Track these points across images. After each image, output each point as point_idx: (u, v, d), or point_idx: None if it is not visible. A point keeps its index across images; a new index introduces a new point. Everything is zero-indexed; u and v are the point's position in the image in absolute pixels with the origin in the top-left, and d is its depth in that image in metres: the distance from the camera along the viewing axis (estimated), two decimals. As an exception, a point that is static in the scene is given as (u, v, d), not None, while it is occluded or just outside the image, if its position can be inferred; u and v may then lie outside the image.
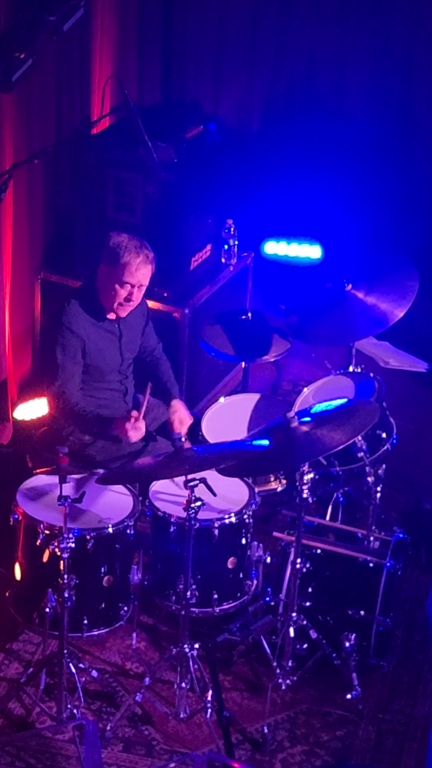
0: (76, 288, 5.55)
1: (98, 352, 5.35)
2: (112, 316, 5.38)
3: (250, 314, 6.28)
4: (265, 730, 4.94)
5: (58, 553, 4.82)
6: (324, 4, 7.17)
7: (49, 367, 5.35)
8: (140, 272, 5.26)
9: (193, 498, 4.82)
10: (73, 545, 4.83)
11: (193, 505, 4.82)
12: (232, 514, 5.12)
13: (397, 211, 7.41)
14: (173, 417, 5.46)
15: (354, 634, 5.13)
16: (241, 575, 5.21)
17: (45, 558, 4.97)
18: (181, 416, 5.46)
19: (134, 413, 5.25)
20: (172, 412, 5.48)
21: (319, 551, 5.24)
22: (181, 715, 5.01)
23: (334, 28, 7.18)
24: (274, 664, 5.14)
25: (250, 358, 6.15)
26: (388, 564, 5.18)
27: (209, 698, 4.96)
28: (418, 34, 7.13)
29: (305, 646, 5.18)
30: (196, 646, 5.00)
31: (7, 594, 5.21)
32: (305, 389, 5.75)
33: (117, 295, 5.28)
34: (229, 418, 5.71)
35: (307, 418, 4.92)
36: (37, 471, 5.32)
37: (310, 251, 7.45)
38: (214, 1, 7.27)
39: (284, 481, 5.56)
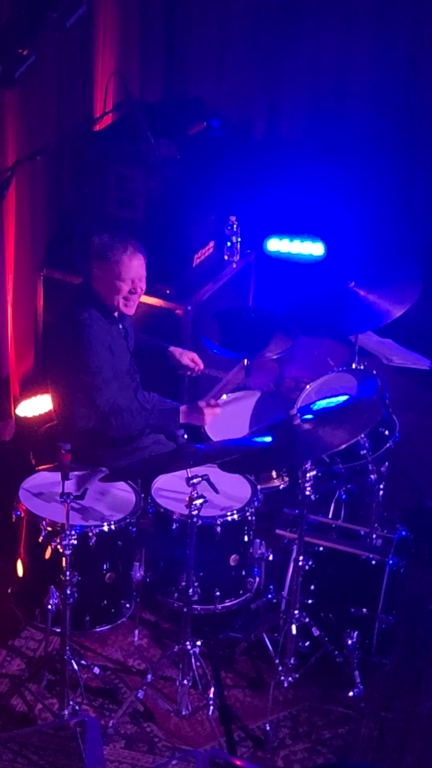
0: (78, 295, 5.45)
1: (115, 354, 5.36)
2: (115, 313, 5.39)
3: (252, 311, 6.27)
4: (267, 728, 4.94)
5: (61, 550, 4.82)
6: (327, 1, 7.16)
7: (85, 386, 5.27)
8: (134, 263, 5.29)
9: (196, 495, 4.82)
10: (75, 542, 4.82)
11: (195, 502, 4.82)
12: (235, 512, 5.12)
13: (400, 208, 7.40)
14: (184, 359, 5.58)
15: (356, 632, 5.12)
16: (243, 572, 5.20)
17: (47, 555, 4.97)
18: (188, 355, 5.60)
19: (212, 401, 5.40)
20: (179, 355, 5.59)
21: (321, 549, 5.24)
22: (183, 712, 5.01)
23: (337, 24, 7.17)
24: (276, 661, 5.13)
25: (253, 355, 6.15)
26: (390, 561, 5.18)
27: (211, 695, 4.96)
28: (421, 32, 7.12)
29: (307, 643, 5.17)
30: (198, 643, 4.99)
31: (9, 590, 5.21)
32: (308, 386, 5.74)
33: (121, 291, 5.29)
34: (231, 415, 5.71)
35: (310, 416, 4.92)
36: (40, 468, 5.33)
37: (313, 248, 7.45)
38: (217, -3, 7.27)
39: (287, 479, 5.55)
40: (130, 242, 5.31)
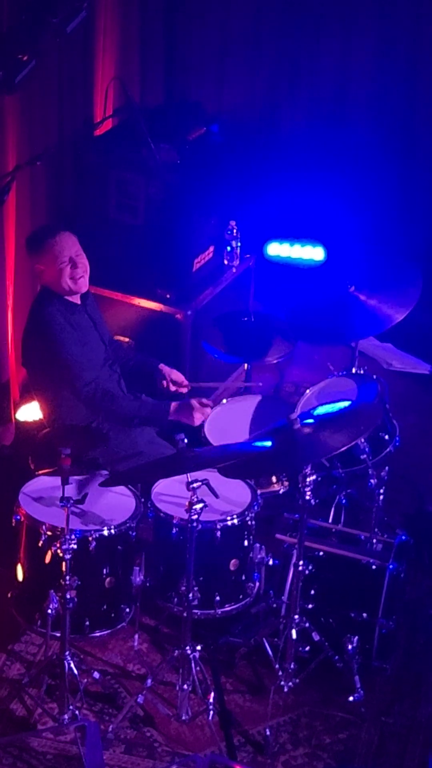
0: (41, 296, 5.46)
1: (87, 345, 5.37)
2: (76, 299, 5.39)
3: (252, 316, 6.27)
4: (267, 733, 4.93)
5: (60, 555, 4.82)
6: (327, 8, 7.17)
7: (63, 378, 5.30)
8: (65, 242, 5.34)
9: (196, 499, 4.82)
10: (75, 546, 4.83)
11: (195, 506, 4.82)
12: (235, 516, 5.12)
13: (400, 212, 7.41)
14: (173, 375, 5.55)
15: (356, 637, 5.12)
16: (243, 577, 5.20)
17: (47, 559, 4.97)
18: (175, 374, 5.56)
19: (203, 401, 5.38)
20: (167, 373, 5.55)
21: (321, 553, 5.24)
22: (183, 717, 5.01)
23: (337, 29, 7.19)
24: (276, 666, 5.13)
25: (253, 360, 6.15)
26: (390, 566, 5.17)
27: (211, 700, 4.96)
28: (421, 35, 7.13)
29: (307, 648, 5.17)
30: (198, 648, 4.99)
31: (9, 595, 5.21)
32: (308, 391, 5.74)
33: (64, 272, 5.32)
34: (231, 419, 5.71)
35: (310, 420, 4.92)
36: (40, 472, 5.33)
37: (313, 253, 7.45)
38: (217, 2, 7.27)
39: (287, 483, 5.55)
40: (52, 226, 5.48)
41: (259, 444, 4.90)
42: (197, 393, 5.60)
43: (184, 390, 5.59)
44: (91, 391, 5.29)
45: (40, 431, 5.76)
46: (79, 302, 5.41)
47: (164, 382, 5.56)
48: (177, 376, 5.60)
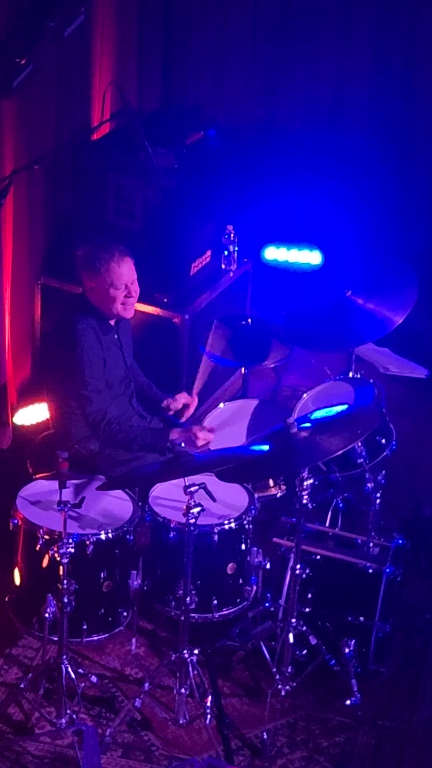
0: (76, 304, 5.45)
1: (110, 365, 5.37)
2: (112, 321, 5.39)
3: (249, 320, 6.28)
4: (265, 736, 4.93)
5: (58, 558, 4.82)
6: (324, 13, 7.19)
7: (76, 395, 5.29)
8: (124, 269, 5.28)
9: (193, 503, 4.83)
10: (72, 550, 4.83)
11: (192, 510, 4.82)
12: (232, 520, 5.13)
13: (397, 216, 7.42)
14: (179, 402, 5.58)
15: (353, 640, 5.12)
16: (240, 581, 5.21)
17: (45, 563, 4.98)
18: (181, 398, 5.58)
19: (206, 425, 5.42)
20: (172, 404, 5.57)
21: (318, 557, 5.25)
22: (181, 721, 5.01)
23: (334, 36, 7.20)
24: (274, 670, 5.14)
25: (250, 364, 6.16)
26: (387, 570, 5.18)
27: (209, 704, 4.96)
28: (417, 40, 7.15)
29: (305, 652, 5.17)
30: (196, 651, 4.99)
31: (6, 599, 5.21)
32: (305, 395, 5.75)
33: (117, 299, 5.29)
34: (228, 423, 5.71)
35: (307, 424, 4.93)
36: (37, 476, 5.33)
37: (310, 257, 7.46)
38: (214, 7, 7.28)
39: (284, 487, 5.56)
40: (115, 248, 5.31)
41: (256, 448, 4.91)
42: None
43: (194, 406, 5.59)
44: (98, 418, 5.29)
45: (38, 435, 5.76)
46: (113, 324, 5.40)
47: (173, 412, 5.59)
48: (182, 399, 5.60)
